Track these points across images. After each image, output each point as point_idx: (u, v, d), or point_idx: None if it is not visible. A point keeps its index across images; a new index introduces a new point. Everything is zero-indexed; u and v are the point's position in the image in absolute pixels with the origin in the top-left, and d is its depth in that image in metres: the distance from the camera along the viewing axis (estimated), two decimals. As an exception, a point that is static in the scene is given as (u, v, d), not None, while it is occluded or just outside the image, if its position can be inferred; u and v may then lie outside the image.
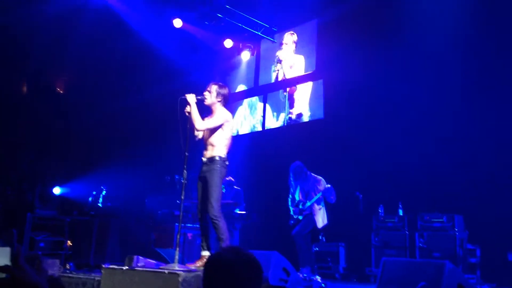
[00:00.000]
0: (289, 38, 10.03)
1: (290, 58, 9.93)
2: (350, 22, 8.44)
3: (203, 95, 4.91)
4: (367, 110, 8.04)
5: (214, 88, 4.93)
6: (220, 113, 4.89)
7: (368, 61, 8.11)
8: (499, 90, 6.56)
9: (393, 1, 7.91)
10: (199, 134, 4.97)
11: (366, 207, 7.32)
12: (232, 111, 10.06)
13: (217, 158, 4.75)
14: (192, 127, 4.86)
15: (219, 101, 4.92)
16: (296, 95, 9.76)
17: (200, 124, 4.78)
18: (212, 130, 4.83)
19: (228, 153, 4.86)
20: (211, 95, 4.91)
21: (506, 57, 6.60)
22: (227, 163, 4.80)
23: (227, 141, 4.86)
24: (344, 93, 8.52)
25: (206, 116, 4.98)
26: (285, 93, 9.90)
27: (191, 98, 4.75)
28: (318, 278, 5.54)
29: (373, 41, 8.05)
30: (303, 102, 9.57)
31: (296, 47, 9.90)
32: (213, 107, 4.93)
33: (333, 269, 7.04)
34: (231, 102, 9.88)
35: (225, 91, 4.96)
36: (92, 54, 9.55)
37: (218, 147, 4.80)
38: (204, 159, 4.83)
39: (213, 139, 4.83)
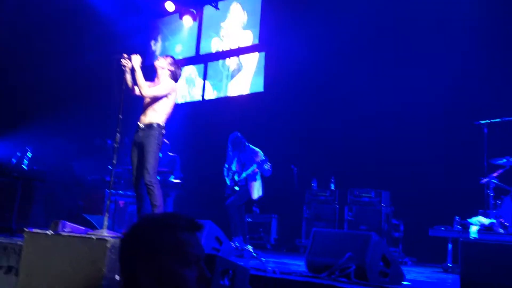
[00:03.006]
0: (237, 12, 9.83)
1: (236, 32, 9.76)
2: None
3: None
4: (306, 85, 8.14)
5: (170, 59, 4.88)
6: (168, 82, 4.78)
7: (310, 36, 8.16)
8: (430, 68, 6.81)
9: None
10: (137, 91, 4.79)
11: (300, 181, 7.47)
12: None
13: (155, 125, 4.63)
14: (128, 89, 4.69)
15: (170, 71, 4.80)
16: (237, 67, 9.67)
17: (147, 90, 4.63)
18: (156, 97, 4.69)
19: (166, 121, 4.75)
20: (166, 61, 4.83)
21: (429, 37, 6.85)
22: (164, 131, 4.71)
23: (169, 110, 4.75)
24: (284, 67, 8.55)
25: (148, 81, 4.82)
26: (227, 64, 9.79)
27: (136, 59, 4.56)
28: (250, 247, 5.60)
29: (316, 16, 8.09)
30: (245, 74, 9.50)
31: (244, 22, 9.73)
32: (161, 73, 4.82)
33: (265, 240, 7.17)
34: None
35: (178, 70, 4.91)
36: (23, 11, 8.90)
37: (158, 114, 4.68)
38: (141, 124, 4.69)
39: (155, 105, 4.69)
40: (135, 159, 4.73)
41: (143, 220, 1.55)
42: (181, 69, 4.99)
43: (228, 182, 6.39)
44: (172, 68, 4.86)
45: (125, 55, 4.57)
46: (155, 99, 4.71)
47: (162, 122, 4.69)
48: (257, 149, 6.38)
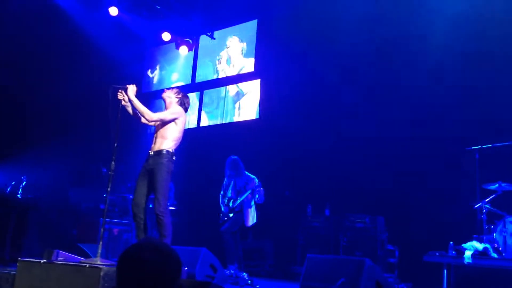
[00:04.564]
0: (235, 43, 10.02)
1: (238, 60, 9.91)
2: (290, 24, 8.59)
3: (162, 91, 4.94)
4: (300, 112, 8.23)
5: (176, 90, 5.03)
6: (176, 107, 4.86)
7: (304, 64, 8.31)
8: (422, 95, 6.92)
9: (329, 5, 8.11)
10: (144, 120, 4.86)
11: (295, 207, 7.49)
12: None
13: (164, 152, 4.64)
14: (126, 117, 4.76)
15: (177, 98, 4.90)
16: (236, 94, 9.78)
17: (151, 115, 4.69)
18: (164, 123, 4.74)
19: (177, 149, 4.78)
20: (172, 92, 4.98)
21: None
22: (174, 158, 4.71)
23: (178, 136, 4.78)
24: (279, 94, 8.66)
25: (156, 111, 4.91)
26: (225, 92, 9.91)
27: (131, 89, 4.62)
28: (245, 275, 5.58)
29: (310, 45, 8.25)
30: (242, 102, 9.61)
31: (244, 50, 9.89)
32: (168, 103, 4.92)
33: (260, 267, 7.13)
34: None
35: (186, 98, 5.03)
36: (19, 37, 9.02)
37: (167, 141, 4.71)
38: (151, 152, 4.71)
39: (164, 131, 4.73)
40: (142, 184, 4.67)
41: (141, 246, 1.56)
42: (188, 98, 5.07)
43: (223, 208, 6.40)
44: (180, 96, 4.95)
45: (120, 92, 4.62)
46: (163, 126, 4.75)
47: (171, 149, 4.69)
48: (253, 176, 6.41)
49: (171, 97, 4.92)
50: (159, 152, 4.64)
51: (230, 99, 9.80)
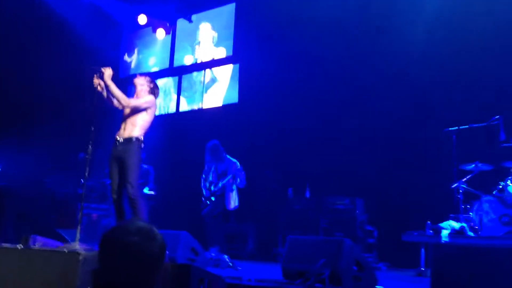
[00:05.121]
0: (207, 30, 9.91)
1: (208, 49, 9.82)
2: (268, 7, 8.52)
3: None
4: (279, 95, 8.22)
5: (148, 78, 4.98)
6: (149, 96, 4.82)
7: (282, 47, 8.28)
8: (399, 76, 6.96)
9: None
10: (117, 104, 4.79)
11: (276, 190, 7.51)
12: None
13: (134, 139, 4.62)
14: (106, 101, 4.69)
15: (149, 87, 4.86)
16: (211, 79, 9.70)
17: (127, 101, 4.64)
18: (136, 110, 4.69)
19: (144, 136, 4.76)
20: (145, 79, 4.92)
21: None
22: (143, 145, 4.71)
23: (147, 124, 4.78)
24: (259, 78, 8.62)
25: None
26: (201, 77, 9.81)
27: (107, 73, 4.54)
28: (226, 257, 5.59)
29: (288, 27, 8.21)
30: (219, 86, 9.54)
31: (215, 39, 9.79)
32: (140, 90, 4.85)
33: (241, 250, 7.16)
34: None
35: (157, 89, 5.00)
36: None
37: (137, 128, 4.68)
38: (119, 138, 4.66)
39: (134, 119, 4.69)
40: (115, 174, 4.66)
41: (125, 228, 1.52)
42: (158, 88, 5.06)
43: (204, 192, 6.38)
44: (151, 85, 4.92)
45: (95, 77, 4.53)
46: (135, 113, 4.70)
47: (141, 136, 4.69)
48: (234, 160, 6.40)
49: (144, 84, 4.88)
50: (129, 140, 4.63)
51: (207, 84, 9.72)
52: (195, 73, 9.98)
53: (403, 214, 6.29)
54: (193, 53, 10.09)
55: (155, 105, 4.90)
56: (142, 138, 4.70)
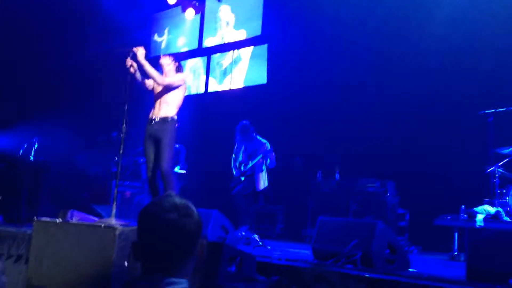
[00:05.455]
0: (226, 13, 9.87)
1: (229, 32, 9.80)
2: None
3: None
4: (309, 76, 8.12)
5: (172, 57, 5.05)
6: (180, 74, 4.90)
7: (314, 27, 8.15)
8: (434, 57, 6.78)
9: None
10: (150, 86, 4.87)
11: (305, 172, 7.49)
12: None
13: (169, 119, 4.72)
14: (139, 84, 4.76)
15: (175, 66, 4.91)
16: (239, 60, 9.66)
17: (162, 79, 4.71)
18: (168, 89, 4.75)
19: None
20: (169, 58, 4.99)
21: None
22: (177, 125, 4.78)
23: (180, 102, 4.86)
24: (288, 58, 8.54)
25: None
26: (229, 57, 9.78)
27: (140, 52, 4.59)
28: (256, 236, 5.64)
29: (320, 5, 8.06)
30: (247, 67, 9.49)
31: (233, 21, 9.75)
32: (168, 69, 4.92)
33: (271, 230, 7.20)
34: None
35: (181, 67, 5.09)
36: (28, 5, 8.97)
37: (171, 107, 4.76)
38: (155, 117, 4.74)
39: (168, 97, 4.77)
40: (150, 152, 4.75)
41: (164, 203, 1.54)
42: (182, 66, 5.15)
43: (234, 172, 6.41)
44: (176, 63, 4.98)
45: (128, 59, 4.56)
46: (167, 92, 4.77)
47: (175, 115, 4.78)
48: (264, 140, 6.39)
49: (170, 64, 4.95)
50: (164, 119, 4.70)
51: (235, 65, 9.68)
52: (222, 54, 9.95)
53: (435, 198, 6.19)
54: (215, 34, 10.06)
55: (186, 83, 4.98)
56: (176, 118, 4.76)
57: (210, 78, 10.05)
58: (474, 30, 6.55)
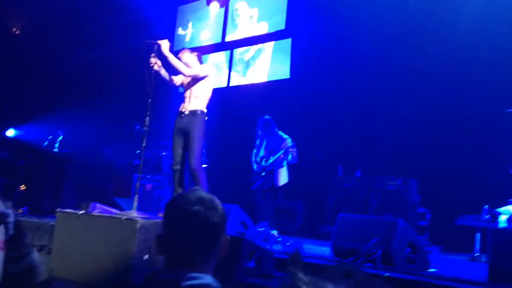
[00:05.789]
0: (244, 8, 9.86)
1: (249, 26, 9.80)
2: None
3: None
4: (332, 72, 8.05)
5: (189, 50, 5.04)
6: (203, 65, 4.93)
7: (337, 22, 8.07)
8: (459, 54, 6.65)
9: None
10: (178, 82, 4.91)
11: (326, 168, 7.45)
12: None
13: (199, 112, 4.75)
14: (160, 78, 4.79)
15: (196, 57, 4.93)
16: (263, 54, 9.64)
17: (188, 70, 4.73)
18: (196, 82, 4.78)
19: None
20: (187, 51, 4.99)
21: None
22: (207, 117, 4.80)
23: (209, 95, 4.88)
24: (312, 53, 8.48)
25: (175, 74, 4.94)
26: (252, 52, 9.78)
27: (165, 45, 4.62)
28: (275, 232, 5.64)
29: (344, 2, 7.98)
30: (270, 61, 9.47)
31: (256, 18, 9.74)
32: (191, 62, 4.92)
33: (290, 226, 7.19)
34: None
35: (201, 58, 5.07)
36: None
37: (201, 100, 4.79)
38: (185, 111, 4.78)
39: (196, 91, 4.79)
40: (179, 145, 4.80)
41: (190, 196, 1.54)
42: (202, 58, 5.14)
43: (254, 167, 6.41)
44: (196, 54, 4.97)
45: (152, 57, 4.58)
46: (196, 85, 4.79)
47: (205, 109, 4.82)
48: (286, 136, 6.37)
49: (190, 57, 4.95)
50: (194, 112, 4.73)
51: (257, 59, 9.67)
52: (245, 48, 9.95)
53: (457, 197, 6.09)
54: (237, 28, 10.06)
55: (212, 74, 4.98)
56: (206, 111, 4.78)
57: (232, 72, 10.07)
58: (501, 26, 6.38)
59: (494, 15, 6.47)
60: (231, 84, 10.02)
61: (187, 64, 4.92)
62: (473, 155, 6.24)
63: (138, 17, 9.90)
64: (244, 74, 9.91)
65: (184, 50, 5.10)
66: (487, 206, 5.17)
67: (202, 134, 4.73)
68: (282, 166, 6.22)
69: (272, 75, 9.33)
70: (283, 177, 6.23)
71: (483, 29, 6.49)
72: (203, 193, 1.54)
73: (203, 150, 7.22)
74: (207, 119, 4.83)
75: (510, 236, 3.51)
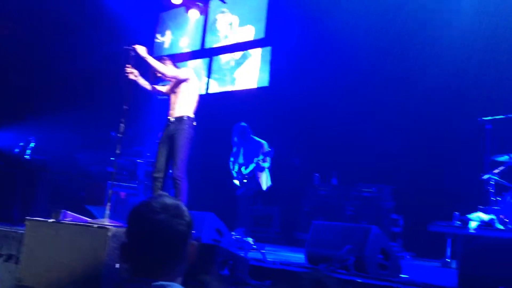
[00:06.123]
0: (224, 18, 9.92)
1: (234, 29, 9.82)
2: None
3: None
4: (310, 80, 8.14)
5: (165, 58, 5.05)
6: (183, 67, 4.90)
7: (316, 31, 8.18)
8: (433, 64, 6.79)
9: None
10: (162, 90, 4.87)
11: (302, 175, 7.49)
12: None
13: (185, 118, 4.70)
14: (139, 87, 4.76)
15: (171, 62, 4.94)
16: (242, 61, 9.67)
17: (165, 69, 4.70)
18: (180, 88, 4.74)
19: (196, 113, 4.81)
20: (162, 60, 4.95)
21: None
22: (195, 123, 4.76)
23: (195, 100, 4.83)
24: (291, 61, 8.56)
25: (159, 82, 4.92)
26: (230, 59, 9.80)
27: (141, 48, 4.59)
28: (250, 240, 5.63)
29: (324, 9, 8.08)
30: (249, 69, 9.50)
31: (237, 25, 9.79)
32: (169, 66, 4.90)
33: (267, 233, 7.19)
34: (177, 61, 9.68)
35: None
36: (31, 6, 9.00)
37: (187, 106, 4.75)
38: (171, 118, 4.74)
39: (181, 97, 4.76)
40: (163, 152, 4.73)
41: (154, 203, 1.50)
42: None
43: (234, 174, 6.39)
44: (170, 60, 4.95)
45: (128, 67, 4.54)
46: (180, 91, 4.76)
47: (191, 114, 4.75)
48: (262, 141, 6.38)
49: (165, 63, 4.91)
50: (180, 119, 4.69)
51: (236, 67, 9.70)
52: (224, 56, 9.97)
53: (430, 204, 6.19)
54: (217, 35, 10.08)
55: (194, 78, 4.92)
56: (193, 117, 4.74)
57: (211, 80, 10.06)
58: (476, 37, 6.55)
59: (467, 28, 6.63)
60: (209, 91, 10.01)
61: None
62: (445, 162, 6.37)
63: (116, 24, 9.81)
64: (223, 81, 9.92)
65: (159, 58, 5.09)
66: (458, 212, 5.27)
67: (188, 141, 4.67)
68: (263, 170, 6.23)
69: (252, 82, 9.36)
70: (265, 181, 6.25)
71: (458, 40, 6.65)
72: (168, 200, 1.51)
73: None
74: (196, 124, 4.79)
75: (479, 242, 3.58)
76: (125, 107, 4.36)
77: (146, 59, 4.60)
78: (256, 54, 9.42)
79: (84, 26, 9.87)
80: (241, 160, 6.39)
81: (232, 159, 6.49)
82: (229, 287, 3.62)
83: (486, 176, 5.47)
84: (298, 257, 4.85)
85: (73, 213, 4.05)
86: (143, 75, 4.83)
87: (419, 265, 5.38)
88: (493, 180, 5.43)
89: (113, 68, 4.66)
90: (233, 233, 5.71)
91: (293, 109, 8.17)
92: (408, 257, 5.82)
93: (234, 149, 6.50)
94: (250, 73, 9.44)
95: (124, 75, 4.60)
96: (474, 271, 3.44)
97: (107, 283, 3.28)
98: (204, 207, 5.77)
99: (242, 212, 6.06)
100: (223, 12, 10.08)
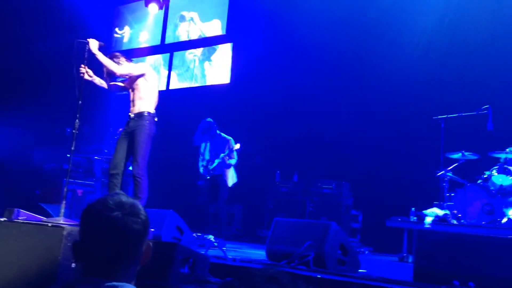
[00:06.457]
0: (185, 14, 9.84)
1: (195, 29, 9.74)
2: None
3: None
4: (271, 79, 8.18)
5: (118, 54, 4.83)
6: (139, 63, 4.76)
7: (278, 29, 8.21)
8: (390, 63, 6.95)
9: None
10: (120, 87, 4.74)
11: (264, 173, 7.52)
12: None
13: (145, 113, 4.58)
14: (96, 86, 4.62)
15: (124, 57, 4.77)
16: (204, 57, 9.60)
17: (116, 67, 4.54)
18: (138, 84, 4.62)
19: (156, 109, 4.69)
20: (113, 56, 4.75)
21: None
22: (156, 119, 4.65)
23: (155, 94, 4.71)
24: (251, 59, 8.55)
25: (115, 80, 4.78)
26: (192, 55, 9.71)
27: (94, 43, 4.42)
28: (211, 237, 5.60)
29: (286, 7, 8.12)
30: (210, 65, 9.45)
31: (198, 21, 9.72)
32: (121, 62, 4.73)
33: (228, 230, 7.18)
34: (135, 56, 9.50)
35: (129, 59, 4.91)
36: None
37: (146, 102, 4.62)
38: (131, 114, 4.62)
39: (140, 93, 4.63)
40: (121, 148, 4.60)
41: (107, 202, 1.45)
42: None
43: (201, 171, 6.34)
44: (122, 56, 4.81)
45: (82, 67, 4.38)
46: (138, 87, 4.63)
47: (152, 110, 4.63)
48: (229, 137, 6.35)
49: (119, 59, 4.73)
50: (140, 115, 4.58)
51: (198, 63, 9.62)
52: (185, 51, 9.86)
53: (388, 200, 6.35)
54: (185, 29, 9.96)
55: (151, 72, 4.82)
56: (154, 112, 4.63)
57: (172, 75, 9.94)
58: (432, 40, 6.75)
59: (424, 28, 6.83)
60: (170, 87, 9.89)
61: (118, 64, 4.77)
62: (402, 159, 6.54)
63: (72, 17, 9.52)
64: (183, 77, 9.82)
65: (112, 54, 4.91)
66: (414, 208, 5.42)
67: (148, 138, 4.56)
68: (229, 167, 6.20)
69: (212, 79, 9.30)
70: (231, 178, 6.22)
71: (417, 45, 6.84)
72: (124, 197, 1.47)
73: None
74: (157, 120, 4.70)
75: (434, 237, 3.69)
76: (79, 102, 4.22)
77: (96, 56, 4.43)
78: (219, 51, 9.36)
79: (38, 17, 9.52)
80: (207, 156, 6.35)
81: (201, 157, 6.44)
82: (190, 285, 3.59)
83: (440, 173, 5.66)
84: (259, 254, 4.86)
85: (27, 212, 3.90)
86: (99, 70, 4.67)
87: (377, 260, 5.50)
88: (447, 177, 5.62)
89: (68, 62, 4.48)
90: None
91: (254, 106, 8.19)
92: (366, 252, 5.95)
93: (202, 146, 6.45)
94: (214, 69, 9.38)
95: (77, 70, 4.44)
96: (429, 265, 3.54)
97: (62, 282, 3.19)
98: (164, 205, 5.70)
99: (224, 217, 6.07)
100: (183, 7, 9.96)
